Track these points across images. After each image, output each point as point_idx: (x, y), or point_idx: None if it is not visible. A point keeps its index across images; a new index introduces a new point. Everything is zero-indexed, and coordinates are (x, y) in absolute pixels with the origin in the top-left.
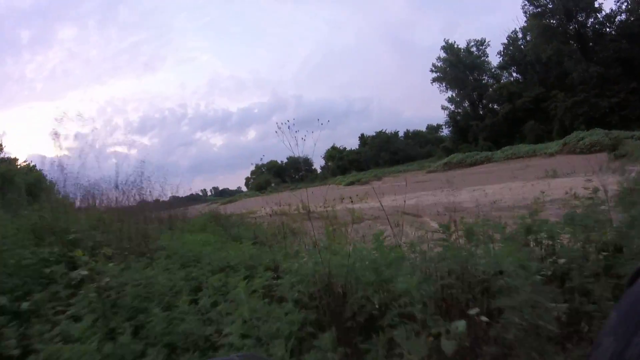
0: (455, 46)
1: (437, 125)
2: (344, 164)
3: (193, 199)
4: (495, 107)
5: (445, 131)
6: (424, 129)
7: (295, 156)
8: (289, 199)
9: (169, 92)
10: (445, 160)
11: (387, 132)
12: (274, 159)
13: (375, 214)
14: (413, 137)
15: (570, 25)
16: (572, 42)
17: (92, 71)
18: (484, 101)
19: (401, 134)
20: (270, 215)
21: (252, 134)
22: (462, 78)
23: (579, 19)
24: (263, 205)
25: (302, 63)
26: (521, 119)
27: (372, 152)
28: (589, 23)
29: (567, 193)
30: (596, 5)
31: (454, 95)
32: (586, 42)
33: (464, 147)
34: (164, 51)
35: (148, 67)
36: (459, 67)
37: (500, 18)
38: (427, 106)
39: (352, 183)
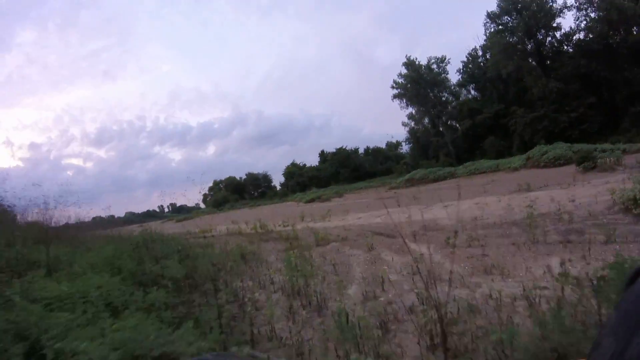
0: (417, 62)
1: (397, 142)
2: (303, 181)
3: (150, 215)
4: (455, 123)
5: (405, 148)
6: (383, 145)
7: (255, 173)
8: (247, 217)
9: (129, 102)
10: (408, 176)
11: (347, 148)
12: (233, 174)
13: (341, 234)
14: (373, 153)
15: (530, 43)
16: (532, 59)
17: (50, 77)
18: (444, 118)
19: (361, 150)
20: (228, 235)
21: (211, 149)
22: (423, 95)
23: (539, 36)
24: (219, 223)
25: (264, 77)
26: (481, 135)
27: (332, 168)
28: (548, 41)
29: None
30: (555, 24)
31: (414, 112)
32: (545, 58)
33: (424, 163)
34: (125, 59)
35: (108, 75)
36: (419, 83)
37: (460, 35)
38: (387, 123)
39: (312, 200)
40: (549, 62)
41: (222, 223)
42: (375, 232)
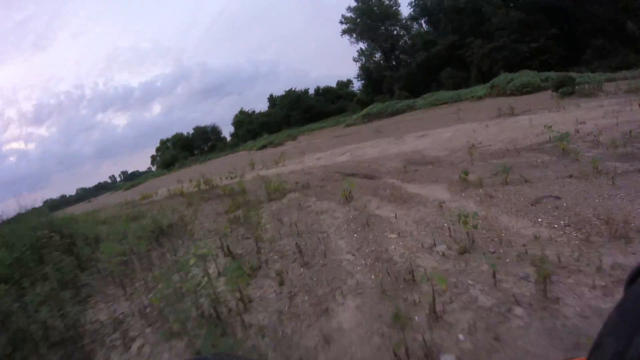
0: None
1: (348, 80)
2: (254, 128)
3: (101, 187)
4: (408, 57)
5: (357, 85)
6: (334, 85)
7: (202, 126)
8: (195, 173)
9: (63, 72)
10: (364, 112)
11: (296, 90)
12: (180, 131)
13: (301, 181)
14: (324, 93)
15: None
16: None
17: None
18: (397, 52)
19: (311, 91)
20: (168, 198)
21: (157, 108)
22: (374, 28)
23: None
24: (164, 185)
25: (206, 28)
26: (437, 67)
27: (282, 112)
28: None
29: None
30: None
31: (364, 47)
32: None
33: (379, 98)
34: (54, 25)
35: (37, 46)
36: (370, 16)
37: None
38: (336, 63)
39: (264, 147)
40: None
41: (168, 184)
42: (345, 173)
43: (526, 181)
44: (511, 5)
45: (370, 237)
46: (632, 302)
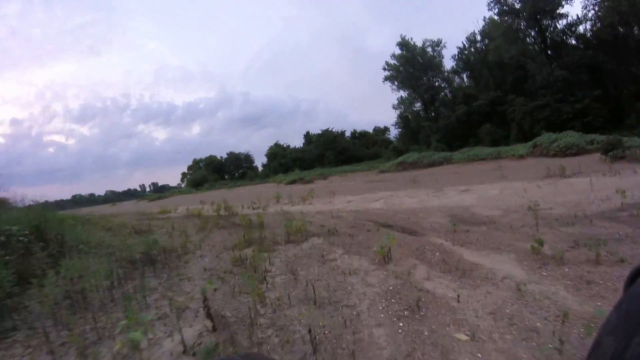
0: (412, 43)
1: (385, 127)
2: (286, 162)
3: (130, 194)
4: (447, 109)
5: (394, 132)
6: (370, 130)
7: (236, 152)
8: (221, 197)
9: (113, 79)
10: (400, 159)
11: (333, 130)
12: (215, 154)
13: (327, 224)
14: (360, 137)
15: (534, 29)
16: (537, 45)
17: (34, 51)
18: (437, 103)
19: (348, 134)
20: (185, 217)
21: (196, 129)
22: (416, 77)
23: (545, 22)
24: (187, 203)
25: (252, 58)
26: (476, 122)
27: (317, 150)
28: (553, 28)
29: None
30: (563, 11)
31: (405, 95)
32: (550, 46)
33: (415, 148)
34: (111, 35)
35: (93, 50)
36: (414, 64)
37: (454, 27)
38: (374, 111)
39: (294, 182)
40: (552, 50)
41: (191, 203)
42: (380, 222)
43: (621, 261)
44: (555, 64)
45: (426, 333)
46: (631, 302)
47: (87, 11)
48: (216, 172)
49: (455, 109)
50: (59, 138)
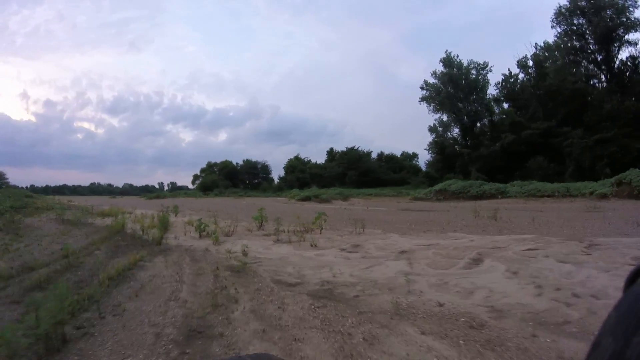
0: (457, 60)
1: (413, 153)
2: (304, 177)
3: (147, 189)
4: (491, 137)
5: (423, 158)
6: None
7: (253, 160)
8: (219, 207)
9: (148, 76)
10: (439, 187)
11: (359, 149)
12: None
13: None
14: (387, 160)
15: (602, 52)
16: (602, 72)
17: (76, 38)
18: (476, 130)
19: (374, 155)
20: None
21: (223, 135)
22: (458, 99)
23: (613, 47)
24: (158, 207)
25: (284, 74)
26: (524, 154)
27: (338, 169)
28: (624, 53)
29: None
30: (632, 37)
31: (445, 118)
32: (618, 73)
33: (450, 176)
34: (152, 33)
35: (133, 46)
36: (457, 84)
37: (494, 61)
38: (401, 138)
39: (307, 198)
40: (619, 78)
41: (185, 209)
42: None
43: None
44: (623, 92)
45: None
46: (630, 302)
47: (132, 7)
48: (229, 178)
49: (502, 137)
50: (89, 126)
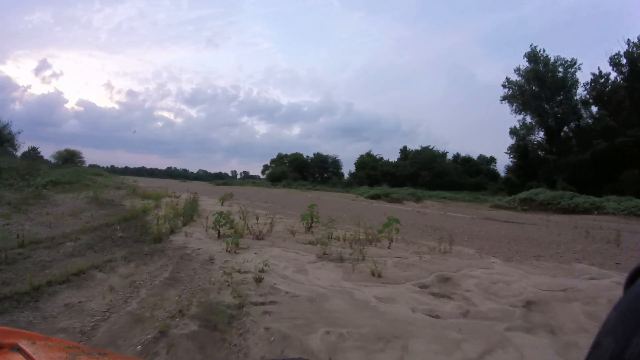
0: (543, 55)
1: (491, 157)
2: (375, 175)
3: (219, 177)
4: (581, 143)
5: (502, 161)
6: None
7: (323, 154)
8: (282, 200)
9: (225, 71)
10: (524, 195)
11: (433, 149)
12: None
13: None
14: (463, 163)
15: None
16: None
17: (156, 34)
18: (563, 134)
19: (449, 156)
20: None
21: (296, 129)
22: (543, 98)
23: None
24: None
25: (359, 71)
26: (617, 165)
27: (411, 168)
28: None
29: None
30: None
31: (529, 120)
32: None
33: (533, 184)
34: (229, 30)
35: (211, 42)
36: (543, 82)
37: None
38: (478, 141)
39: (377, 197)
40: None
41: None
42: None
43: None
44: None
45: None
46: (630, 302)
47: (209, 6)
48: (299, 171)
49: (592, 144)
50: (168, 115)
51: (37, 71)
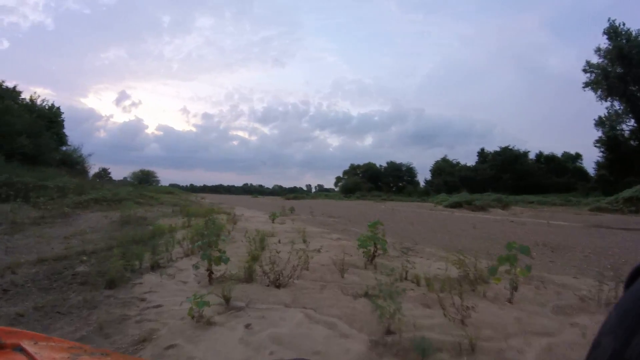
0: (624, 29)
1: (577, 153)
2: (453, 181)
3: (294, 191)
4: None
5: (590, 157)
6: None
7: (397, 162)
8: (350, 211)
9: (294, 87)
10: (628, 193)
11: (514, 149)
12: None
13: None
14: (546, 162)
15: None
16: None
17: (224, 59)
18: None
19: (531, 156)
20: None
21: (368, 140)
22: (631, 79)
23: None
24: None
25: (426, 75)
26: None
27: (491, 171)
28: None
29: None
30: None
31: (617, 107)
32: None
33: (630, 180)
34: (293, 48)
35: (277, 61)
36: (629, 61)
37: None
38: (561, 137)
39: (458, 205)
40: None
41: (302, 211)
42: None
43: None
44: None
45: None
46: (631, 302)
47: (272, 26)
48: (372, 181)
49: None
50: (242, 134)
51: (118, 101)
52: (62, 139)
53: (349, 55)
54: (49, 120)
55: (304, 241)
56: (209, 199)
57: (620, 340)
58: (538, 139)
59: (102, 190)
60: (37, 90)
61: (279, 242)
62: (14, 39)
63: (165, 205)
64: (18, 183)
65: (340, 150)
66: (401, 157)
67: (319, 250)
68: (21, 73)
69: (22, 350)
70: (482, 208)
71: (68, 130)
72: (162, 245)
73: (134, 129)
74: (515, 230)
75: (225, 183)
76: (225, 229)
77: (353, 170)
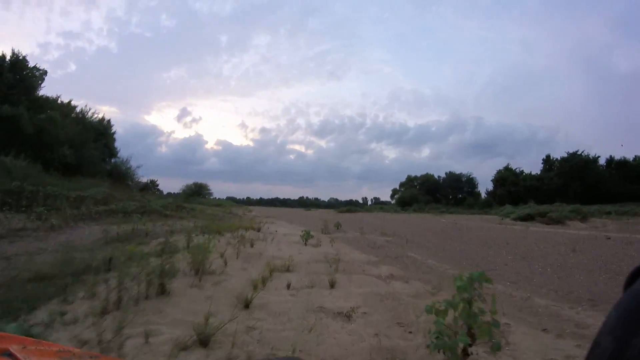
0: None
1: None
2: (517, 191)
3: (350, 203)
4: None
5: None
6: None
7: (456, 173)
8: (406, 227)
9: (350, 100)
10: None
11: (583, 155)
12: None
13: None
14: (617, 168)
15: None
16: None
17: (281, 75)
18: None
19: (602, 161)
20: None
21: (425, 151)
22: None
23: None
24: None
25: (485, 83)
26: None
27: (559, 180)
28: None
29: None
30: None
31: None
32: None
33: None
34: (349, 61)
35: (333, 75)
36: None
37: None
38: (630, 141)
39: (529, 218)
40: None
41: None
42: None
43: None
44: None
45: None
46: (630, 302)
47: (327, 40)
48: (430, 193)
49: None
50: (299, 147)
51: (179, 118)
52: (112, 151)
53: (405, 66)
54: (98, 132)
55: (331, 285)
56: (257, 211)
57: (620, 340)
58: (604, 143)
59: (126, 202)
60: (103, 108)
61: (289, 286)
62: (81, 62)
63: (200, 218)
64: (26, 192)
65: (397, 162)
66: (459, 168)
67: (348, 316)
68: (90, 93)
69: (10, 355)
70: (559, 221)
71: (132, 145)
72: (90, 284)
73: (194, 144)
74: (617, 251)
75: (282, 196)
76: (211, 257)
77: (410, 181)
